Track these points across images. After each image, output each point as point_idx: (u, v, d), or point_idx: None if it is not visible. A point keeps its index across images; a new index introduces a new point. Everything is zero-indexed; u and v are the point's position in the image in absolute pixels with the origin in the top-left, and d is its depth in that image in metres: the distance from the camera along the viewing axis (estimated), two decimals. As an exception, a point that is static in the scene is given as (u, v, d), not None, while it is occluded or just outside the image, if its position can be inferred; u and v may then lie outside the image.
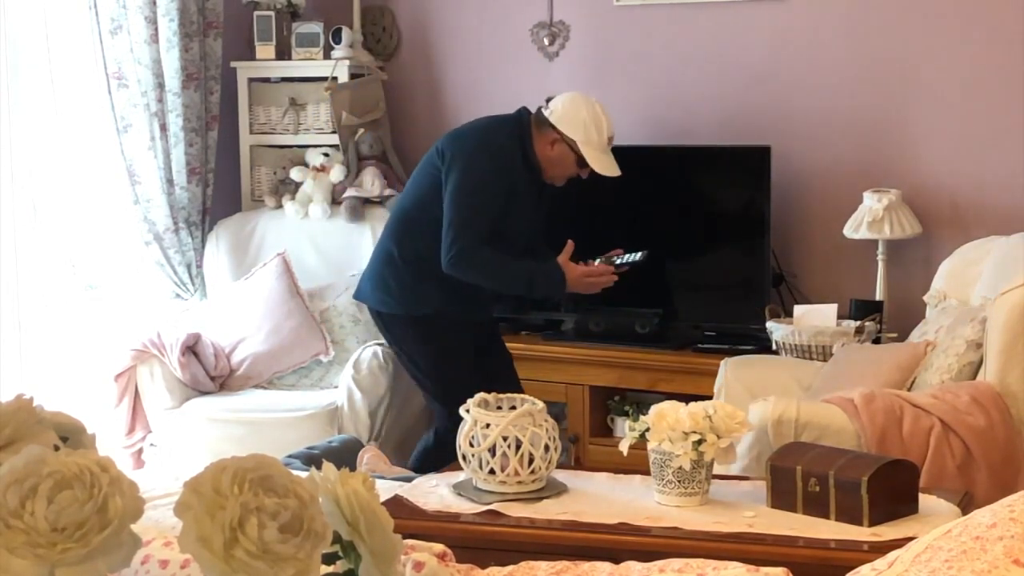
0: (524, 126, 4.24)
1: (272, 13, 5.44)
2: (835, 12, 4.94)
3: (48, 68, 4.79)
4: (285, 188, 5.42)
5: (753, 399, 3.80)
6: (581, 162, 4.22)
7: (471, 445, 3.24)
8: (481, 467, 3.24)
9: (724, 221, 5.06)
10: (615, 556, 2.32)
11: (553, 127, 4.20)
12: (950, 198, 4.80)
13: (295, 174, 5.39)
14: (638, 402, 4.78)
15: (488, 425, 3.22)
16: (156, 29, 4.99)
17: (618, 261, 4.26)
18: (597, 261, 4.26)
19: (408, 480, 3.64)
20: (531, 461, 3.22)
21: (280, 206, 5.39)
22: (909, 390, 3.89)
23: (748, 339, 4.78)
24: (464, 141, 4.27)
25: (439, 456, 4.01)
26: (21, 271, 4.72)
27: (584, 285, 4.23)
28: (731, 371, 4.34)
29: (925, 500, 3.11)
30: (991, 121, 4.73)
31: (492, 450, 3.21)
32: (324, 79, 5.34)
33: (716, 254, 5.13)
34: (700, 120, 5.12)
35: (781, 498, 3.13)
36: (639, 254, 4.26)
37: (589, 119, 4.19)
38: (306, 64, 5.46)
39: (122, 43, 4.94)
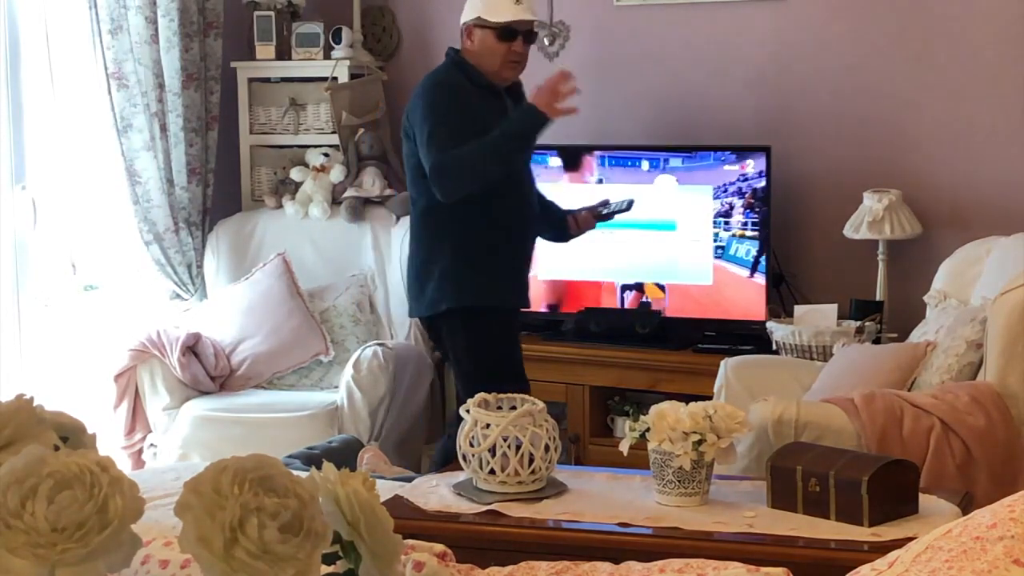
0: (456, 55, 4.19)
1: (272, 13, 5.43)
2: (835, 12, 4.94)
3: (48, 68, 4.78)
4: (285, 188, 5.42)
5: (753, 399, 3.80)
6: (501, 34, 4.13)
7: (471, 445, 3.24)
8: (481, 467, 3.24)
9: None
10: (615, 556, 2.31)
11: (462, 27, 4.17)
12: (950, 198, 4.80)
13: (295, 174, 5.39)
14: (638, 402, 4.77)
15: (488, 425, 3.22)
16: (156, 29, 4.99)
17: (604, 211, 4.37)
18: (583, 211, 4.37)
19: (408, 480, 3.64)
20: (531, 461, 3.22)
21: (280, 206, 5.39)
22: (909, 390, 3.89)
23: (748, 339, 4.78)
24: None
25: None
26: (21, 271, 4.72)
27: (547, 97, 4.04)
28: (731, 371, 4.34)
29: (925, 500, 3.11)
30: (991, 121, 4.73)
31: (492, 450, 3.21)
32: (324, 79, 5.34)
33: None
34: (700, 120, 5.12)
35: (781, 498, 3.13)
36: (625, 202, 4.38)
37: None
38: (306, 64, 5.45)
39: (122, 43, 4.94)
